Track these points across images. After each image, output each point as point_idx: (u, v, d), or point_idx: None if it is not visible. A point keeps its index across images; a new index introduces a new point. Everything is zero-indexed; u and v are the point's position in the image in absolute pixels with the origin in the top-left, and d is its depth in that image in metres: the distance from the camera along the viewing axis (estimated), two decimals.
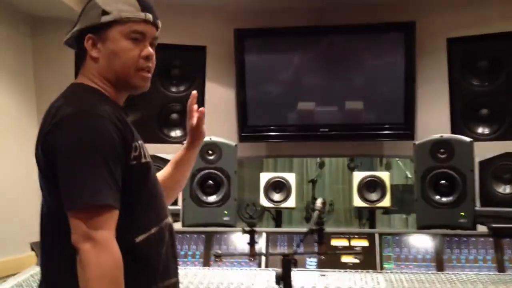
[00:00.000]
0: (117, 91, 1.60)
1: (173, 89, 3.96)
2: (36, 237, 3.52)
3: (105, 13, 1.54)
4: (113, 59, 1.55)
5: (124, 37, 1.54)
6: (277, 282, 1.72)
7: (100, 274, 1.35)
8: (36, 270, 2.77)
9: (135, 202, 1.51)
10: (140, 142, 1.55)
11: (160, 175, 1.81)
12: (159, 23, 1.65)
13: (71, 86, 1.60)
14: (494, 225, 2.76)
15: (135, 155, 1.50)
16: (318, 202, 1.82)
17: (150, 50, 1.59)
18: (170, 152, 3.04)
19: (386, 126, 3.81)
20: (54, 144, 1.44)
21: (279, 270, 1.73)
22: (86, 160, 1.40)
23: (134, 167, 1.50)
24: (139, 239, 1.49)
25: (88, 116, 1.44)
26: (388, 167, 5.88)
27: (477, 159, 2.94)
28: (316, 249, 1.88)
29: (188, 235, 2.90)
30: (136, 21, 1.56)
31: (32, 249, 3.21)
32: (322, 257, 1.91)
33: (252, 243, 2.01)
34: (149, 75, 1.60)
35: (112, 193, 1.40)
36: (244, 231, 2.02)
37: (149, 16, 1.59)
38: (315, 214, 1.78)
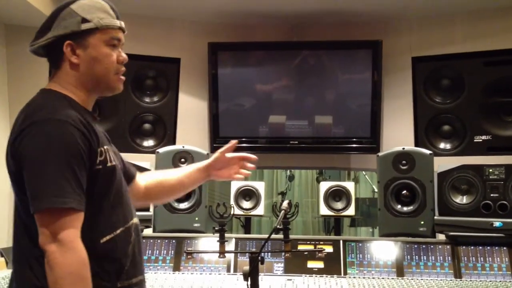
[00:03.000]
0: (89, 96, 1.66)
1: (147, 100, 4.03)
2: (5, 243, 3.53)
3: (85, 20, 1.60)
4: (94, 64, 1.62)
5: (104, 43, 1.62)
6: (245, 279, 1.81)
7: (67, 273, 1.41)
8: (6, 273, 2.79)
9: (100, 204, 1.56)
10: (105, 147, 1.60)
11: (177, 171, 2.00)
12: (125, 29, 1.73)
13: (40, 93, 1.64)
14: (452, 234, 2.89)
15: (100, 159, 1.56)
16: (285, 203, 1.93)
17: (125, 55, 1.69)
18: (141, 161, 3.10)
19: (354, 139, 3.96)
20: (21, 149, 1.49)
21: (247, 267, 1.82)
22: (51, 165, 1.45)
23: (100, 171, 1.55)
24: (104, 239, 1.55)
25: (54, 122, 1.49)
26: (355, 181, 6.03)
27: (436, 171, 3.08)
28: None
29: (159, 240, 2.96)
30: (114, 29, 1.65)
31: (1, 255, 3.21)
32: (288, 254, 2.00)
33: (222, 241, 2.09)
34: (124, 78, 1.70)
35: (76, 197, 1.46)
36: (215, 230, 2.11)
37: (123, 24, 1.69)
38: (281, 214, 1.89)
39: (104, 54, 1.62)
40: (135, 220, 1.68)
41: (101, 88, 1.67)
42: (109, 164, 1.59)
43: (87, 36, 1.60)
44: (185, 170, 2.00)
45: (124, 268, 1.58)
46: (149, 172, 2.19)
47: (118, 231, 1.59)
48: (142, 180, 1.92)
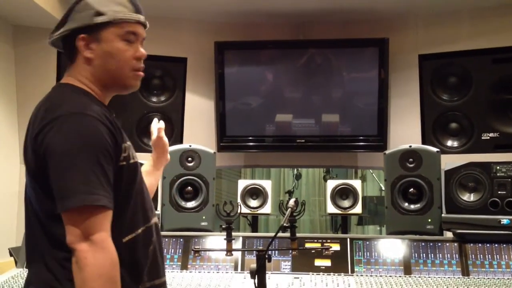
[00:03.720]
0: (105, 92, 1.61)
1: (154, 99, 4.05)
2: (14, 242, 3.55)
3: (99, 14, 1.54)
4: (108, 59, 1.56)
5: (118, 38, 1.56)
6: (252, 276, 1.81)
7: (98, 274, 1.35)
8: (16, 272, 2.81)
9: (124, 202, 1.51)
10: (128, 143, 1.56)
11: None
12: (147, 24, 1.68)
13: (58, 87, 1.58)
14: (459, 231, 2.88)
15: (124, 155, 1.50)
16: (291, 201, 1.93)
17: (143, 51, 1.63)
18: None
19: (361, 138, 3.95)
20: (46, 145, 1.42)
21: (254, 265, 1.82)
22: (80, 161, 1.39)
23: (123, 168, 1.50)
24: (125, 239, 1.50)
25: (81, 116, 1.43)
26: (363, 180, 6.03)
27: (443, 169, 3.08)
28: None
29: (166, 239, 2.97)
30: (130, 22, 1.58)
31: (11, 255, 3.24)
32: (294, 252, 2.00)
33: (229, 239, 2.10)
34: (142, 74, 1.64)
35: (106, 194, 1.40)
36: (222, 228, 2.12)
37: (142, 17, 1.62)
38: (288, 212, 1.90)
39: (118, 49, 1.56)
40: (155, 219, 1.63)
41: (116, 84, 1.61)
42: (131, 160, 1.54)
43: (101, 29, 1.54)
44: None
45: (144, 270, 1.54)
46: None
47: (139, 231, 1.54)
48: None
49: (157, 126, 1.99)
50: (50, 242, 1.46)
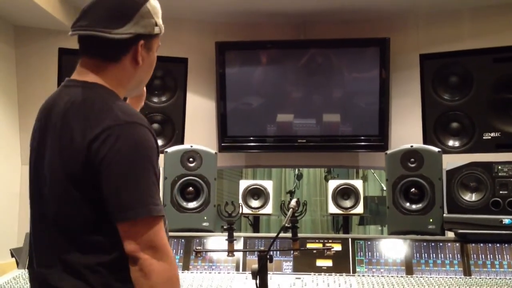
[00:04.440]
0: (123, 95, 1.62)
1: (155, 100, 4.06)
2: (15, 243, 3.55)
3: (156, 24, 1.59)
4: (149, 68, 1.63)
5: (156, 49, 1.64)
6: (254, 277, 1.81)
7: (165, 279, 1.41)
8: (17, 273, 2.81)
9: None
10: None
11: None
12: None
13: (94, 88, 1.53)
14: (461, 231, 2.87)
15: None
16: (293, 201, 1.93)
17: None
18: None
19: (362, 137, 3.95)
20: (104, 154, 1.41)
21: (256, 265, 1.82)
22: (143, 173, 1.43)
23: (158, 173, 1.54)
24: None
25: (136, 126, 1.45)
26: (364, 180, 6.04)
27: (444, 168, 3.07)
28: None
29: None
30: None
31: (12, 256, 3.24)
32: (296, 253, 2.00)
33: (231, 240, 2.10)
34: None
35: (160, 203, 1.46)
36: (224, 229, 2.12)
37: None
38: (289, 212, 1.89)
39: (155, 59, 1.65)
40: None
41: (137, 90, 1.69)
42: (159, 167, 1.57)
43: (153, 40, 1.60)
44: None
45: None
46: None
47: None
48: None
49: None
50: (80, 249, 1.47)
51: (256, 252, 1.84)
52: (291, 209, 1.90)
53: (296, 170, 6.10)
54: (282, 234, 2.04)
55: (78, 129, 1.44)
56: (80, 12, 1.56)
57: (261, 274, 1.79)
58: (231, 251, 2.10)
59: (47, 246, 1.53)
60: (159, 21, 1.61)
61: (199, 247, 2.77)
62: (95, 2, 1.55)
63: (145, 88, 1.78)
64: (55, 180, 1.48)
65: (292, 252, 2.10)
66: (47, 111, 1.54)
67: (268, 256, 1.80)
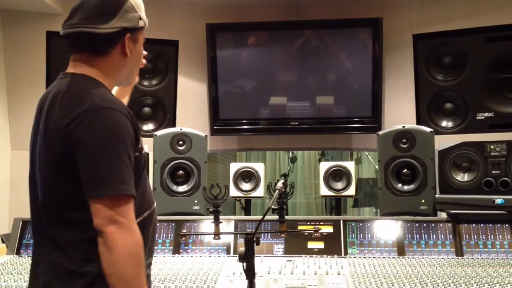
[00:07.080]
0: (112, 85, 1.73)
1: (145, 83, 4.01)
2: (6, 229, 3.53)
3: (140, 18, 1.70)
4: (136, 60, 1.75)
5: (142, 42, 1.75)
6: (241, 260, 1.79)
7: (127, 253, 1.46)
8: (6, 258, 2.79)
9: (137, 188, 1.60)
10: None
11: None
12: None
13: (78, 77, 1.63)
14: (453, 211, 2.85)
15: (138, 147, 1.62)
16: (279, 183, 1.90)
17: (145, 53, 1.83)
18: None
19: (355, 119, 3.92)
20: (78, 135, 1.50)
21: (242, 249, 1.80)
22: (112, 152, 1.50)
23: (138, 158, 1.61)
24: (137, 221, 1.58)
25: (110, 110, 1.53)
26: (358, 162, 6.01)
27: (436, 149, 3.05)
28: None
29: (158, 223, 2.94)
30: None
31: (3, 241, 3.22)
32: (284, 235, 1.98)
33: (216, 222, 2.08)
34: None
35: (132, 183, 1.52)
36: (209, 212, 2.09)
37: None
38: (275, 194, 1.87)
39: (142, 51, 1.77)
40: (155, 204, 1.76)
41: (126, 81, 1.79)
42: (143, 151, 1.67)
43: (138, 33, 1.71)
44: None
45: (145, 249, 1.61)
46: None
47: (146, 214, 1.67)
48: None
49: None
50: (63, 226, 1.55)
51: (243, 235, 1.82)
52: (277, 191, 1.87)
53: (290, 153, 6.07)
54: (272, 217, 2.01)
55: (59, 113, 1.55)
56: (69, 12, 1.66)
57: (247, 257, 1.76)
58: (217, 234, 2.08)
59: (39, 226, 1.64)
60: (143, 15, 1.72)
61: (184, 231, 2.75)
62: (82, 1, 1.66)
63: (137, 77, 1.90)
64: (42, 162, 1.59)
65: (280, 234, 2.07)
66: (42, 101, 1.65)
67: (254, 239, 1.77)
